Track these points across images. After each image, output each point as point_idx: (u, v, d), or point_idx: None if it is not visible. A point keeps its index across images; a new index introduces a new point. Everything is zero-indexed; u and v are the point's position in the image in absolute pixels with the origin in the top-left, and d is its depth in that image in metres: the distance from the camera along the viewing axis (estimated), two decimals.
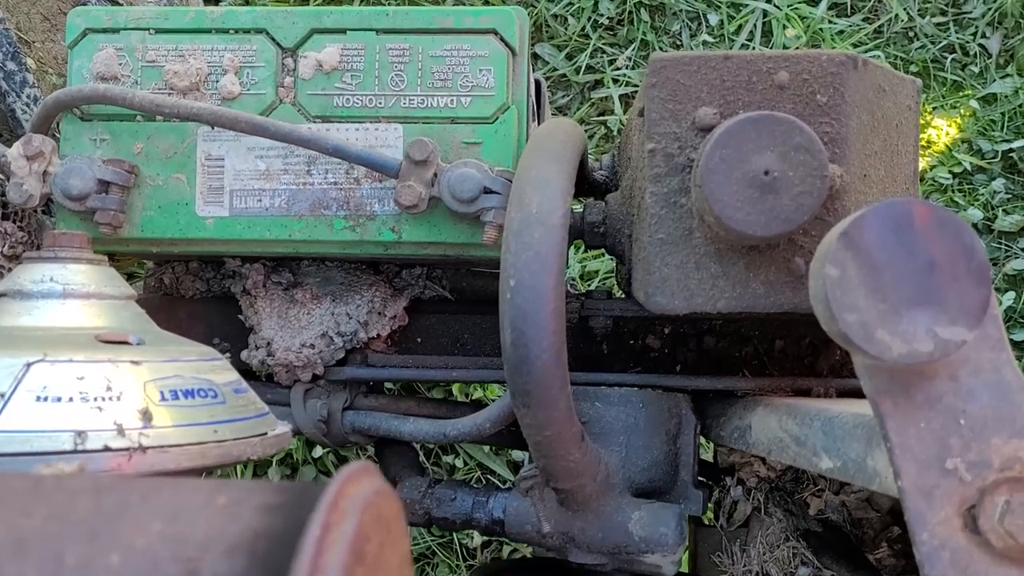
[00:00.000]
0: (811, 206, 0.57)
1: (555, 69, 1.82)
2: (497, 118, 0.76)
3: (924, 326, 0.48)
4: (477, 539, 1.61)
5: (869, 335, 0.48)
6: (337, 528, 0.31)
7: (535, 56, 1.82)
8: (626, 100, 1.83)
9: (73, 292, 0.61)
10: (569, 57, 1.83)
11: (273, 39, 0.77)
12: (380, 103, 0.77)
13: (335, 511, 0.31)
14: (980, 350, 0.51)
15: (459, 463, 1.66)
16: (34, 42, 1.02)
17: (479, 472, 1.65)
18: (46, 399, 0.52)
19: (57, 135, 0.79)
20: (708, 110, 0.63)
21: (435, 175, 0.73)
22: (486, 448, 1.62)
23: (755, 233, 0.57)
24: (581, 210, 0.80)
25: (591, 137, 1.81)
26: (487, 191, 0.73)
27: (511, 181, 0.71)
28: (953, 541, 0.49)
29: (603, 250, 0.80)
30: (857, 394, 0.78)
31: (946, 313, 0.48)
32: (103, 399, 0.54)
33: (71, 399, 0.53)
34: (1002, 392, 0.50)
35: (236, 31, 0.78)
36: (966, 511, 0.49)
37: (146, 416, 0.54)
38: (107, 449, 0.52)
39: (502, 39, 0.76)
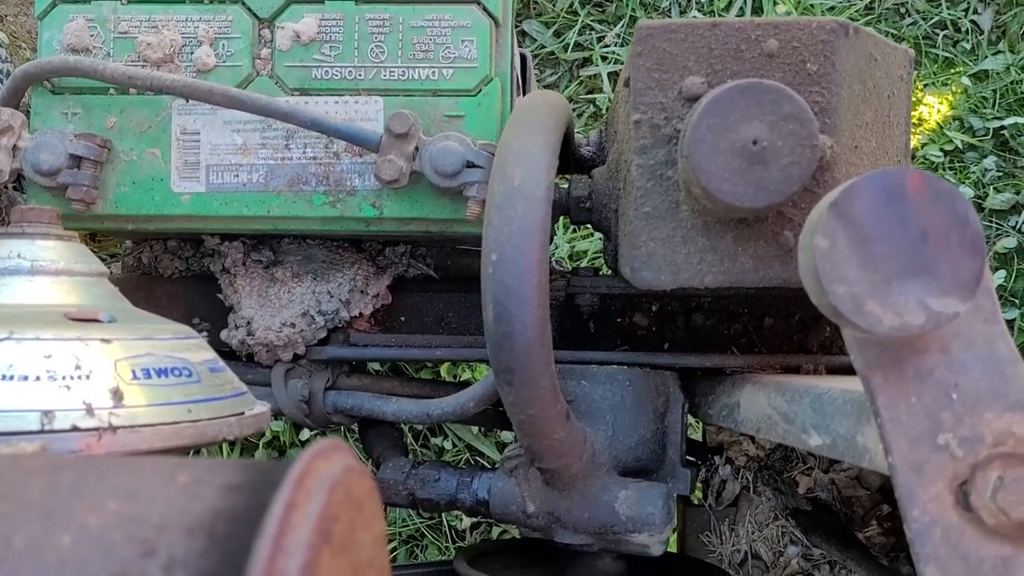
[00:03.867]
0: (800, 177, 0.55)
1: (543, 46, 1.79)
2: (480, 90, 0.74)
3: (916, 298, 0.47)
4: (466, 521, 1.60)
5: (859, 307, 0.47)
6: (302, 507, 0.29)
7: (523, 34, 1.80)
8: (615, 78, 1.80)
9: (42, 269, 0.60)
10: (557, 34, 1.80)
11: (249, 9, 0.75)
12: (360, 75, 0.75)
13: (300, 489, 0.30)
14: (972, 323, 0.50)
15: (447, 445, 1.65)
16: (6, 16, 0.99)
17: (468, 454, 1.64)
18: (12, 378, 0.51)
19: (28, 109, 0.77)
20: (695, 79, 0.61)
21: (416, 149, 0.71)
22: (474, 429, 1.61)
23: (743, 205, 0.55)
24: (567, 185, 0.78)
25: (579, 116, 1.79)
26: (470, 165, 0.71)
27: (494, 155, 0.69)
28: (944, 518, 0.48)
29: (589, 226, 0.79)
30: (848, 371, 0.77)
31: (938, 284, 0.47)
32: (71, 378, 0.52)
33: (38, 378, 0.51)
34: (995, 365, 0.49)
35: (211, 1, 0.75)
36: (958, 487, 0.48)
37: (117, 395, 0.53)
38: (75, 429, 0.50)
39: (485, 9, 0.74)
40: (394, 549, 1.62)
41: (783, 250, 0.61)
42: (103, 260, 1.05)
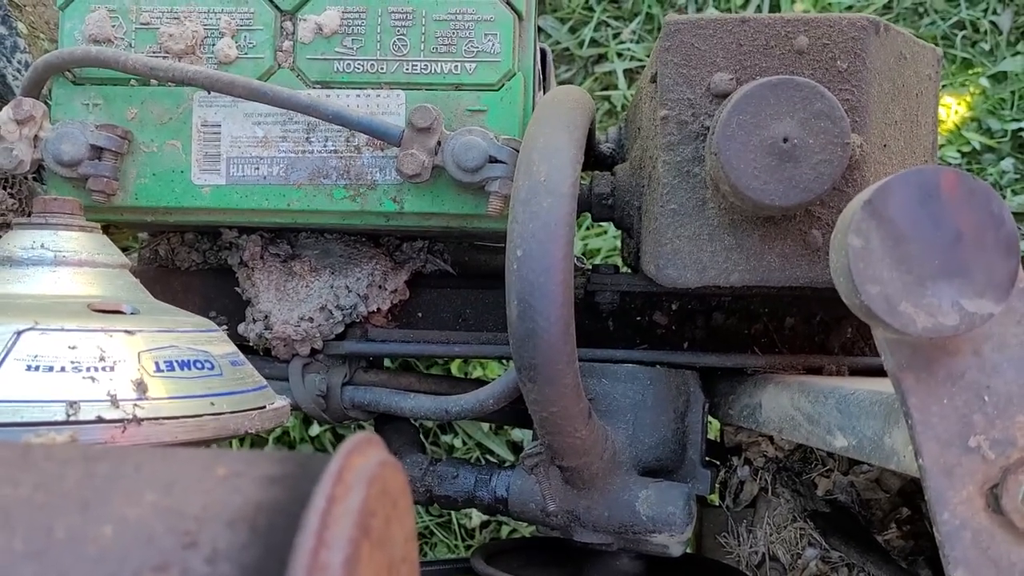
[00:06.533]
0: (831, 175, 0.55)
1: (558, 42, 1.79)
2: (503, 85, 0.74)
3: (949, 299, 0.46)
4: (476, 519, 1.60)
5: (892, 308, 0.46)
6: (342, 501, 0.29)
7: (538, 29, 1.79)
8: (630, 74, 1.80)
9: (64, 259, 0.59)
10: (573, 30, 1.80)
11: (271, 1, 0.75)
12: (382, 68, 0.74)
13: (340, 483, 0.29)
14: (1005, 325, 0.49)
15: (457, 443, 1.64)
16: (25, 6, 0.99)
17: (478, 452, 1.64)
18: (37, 368, 0.50)
19: (48, 100, 0.77)
20: (724, 76, 0.60)
21: (438, 143, 0.71)
22: (485, 428, 1.61)
23: (773, 203, 0.55)
24: (589, 182, 0.78)
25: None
26: (492, 160, 0.70)
27: (517, 150, 0.68)
28: (975, 521, 0.48)
29: (611, 223, 0.78)
30: (870, 372, 0.76)
31: (972, 285, 0.47)
32: (96, 369, 0.52)
33: (63, 368, 0.51)
34: None
35: None
36: (989, 490, 0.48)
37: (140, 387, 0.53)
38: (100, 420, 0.50)
39: (508, 3, 0.74)
40: None
41: (810, 249, 0.61)
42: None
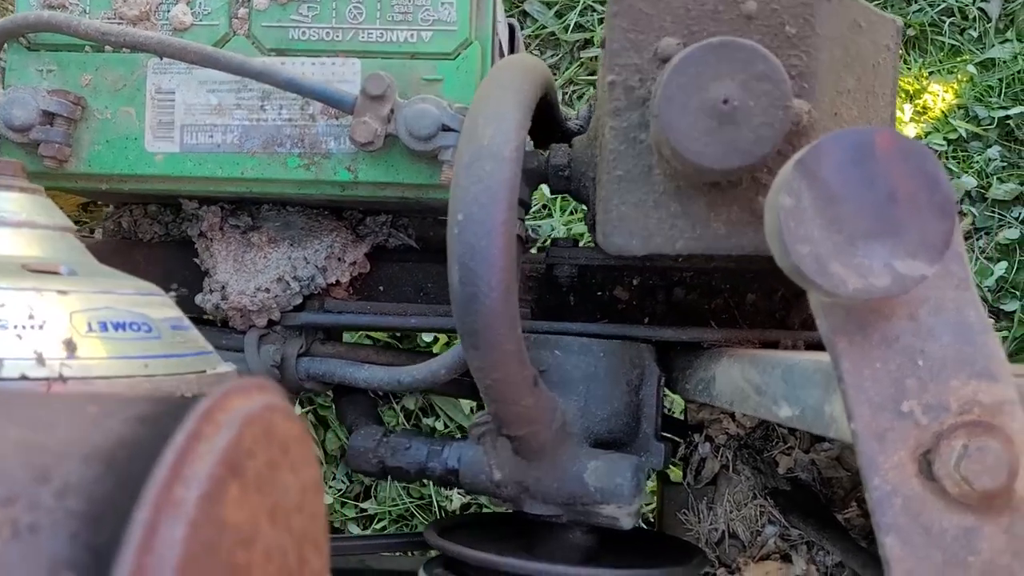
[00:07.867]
0: (772, 138, 0.54)
1: (544, 27, 1.77)
2: (459, 54, 0.73)
3: (881, 259, 0.46)
4: (456, 501, 1.60)
5: (823, 268, 0.45)
6: (209, 439, 0.28)
7: (524, 14, 1.78)
8: None
9: (3, 220, 0.59)
10: (559, 15, 1.79)
11: None
12: (338, 36, 0.73)
13: (209, 422, 0.29)
14: (942, 288, 0.48)
15: (439, 425, 1.64)
16: None
17: (460, 435, 1.64)
18: None
19: (3, 65, 0.76)
20: (671, 40, 0.60)
21: (392, 112, 0.70)
22: (466, 410, 1.60)
23: (712, 166, 0.54)
24: (546, 154, 0.77)
25: (579, 97, 1.78)
26: (446, 129, 0.70)
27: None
28: (906, 487, 0.47)
29: (569, 195, 0.77)
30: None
31: (905, 246, 0.46)
32: (23, 327, 0.51)
33: None
34: (963, 332, 0.48)
35: None
36: (921, 456, 0.47)
37: (70, 346, 0.52)
38: (24, 378, 0.49)
39: None
40: (383, 528, 1.62)
41: (757, 216, 0.60)
42: (91, 231, 1.04)
